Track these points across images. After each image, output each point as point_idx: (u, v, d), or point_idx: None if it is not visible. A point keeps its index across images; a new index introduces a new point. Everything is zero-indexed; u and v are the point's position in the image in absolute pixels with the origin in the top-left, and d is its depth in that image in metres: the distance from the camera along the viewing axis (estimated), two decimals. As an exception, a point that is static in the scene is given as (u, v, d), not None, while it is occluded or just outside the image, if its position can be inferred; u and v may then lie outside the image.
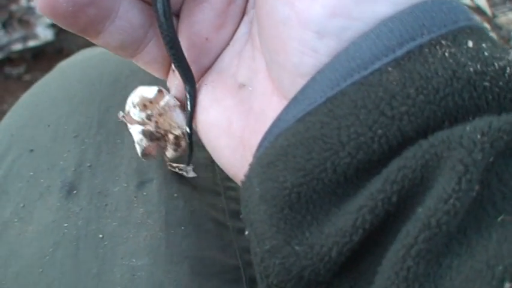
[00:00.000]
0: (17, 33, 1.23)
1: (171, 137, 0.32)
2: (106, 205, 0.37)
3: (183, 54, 0.29)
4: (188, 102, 0.30)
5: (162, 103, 0.31)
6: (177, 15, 0.31)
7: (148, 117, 0.31)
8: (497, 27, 1.21)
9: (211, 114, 0.29)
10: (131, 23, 0.29)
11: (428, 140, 0.21)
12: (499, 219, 0.20)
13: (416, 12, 0.22)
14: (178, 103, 0.32)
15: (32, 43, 1.24)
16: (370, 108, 0.21)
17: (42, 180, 0.39)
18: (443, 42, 0.21)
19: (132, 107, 0.32)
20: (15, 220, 0.38)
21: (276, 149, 0.23)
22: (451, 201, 0.19)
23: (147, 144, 0.31)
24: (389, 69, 0.21)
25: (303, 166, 0.22)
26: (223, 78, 0.30)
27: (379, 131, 0.21)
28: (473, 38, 0.22)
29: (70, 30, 0.28)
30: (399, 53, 0.21)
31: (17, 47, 1.24)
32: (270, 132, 0.24)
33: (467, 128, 0.20)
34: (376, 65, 0.21)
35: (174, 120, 0.31)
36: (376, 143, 0.21)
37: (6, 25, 1.24)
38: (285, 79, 0.25)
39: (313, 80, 0.23)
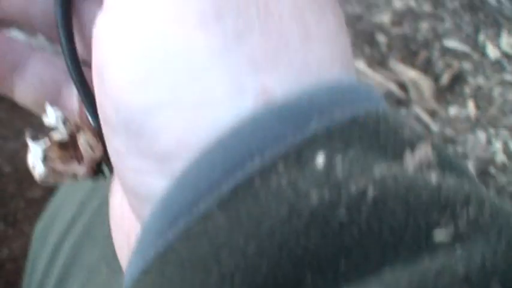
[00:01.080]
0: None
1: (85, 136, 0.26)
2: None
3: (91, 94, 0.25)
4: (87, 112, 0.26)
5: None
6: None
7: (63, 119, 0.26)
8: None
9: (114, 200, 0.25)
10: (42, 80, 0.26)
11: None
12: None
13: (246, 127, 0.16)
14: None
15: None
16: (196, 266, 0.16)
17: (132, 229, 0.40)
18: (280, 166, 0.16)
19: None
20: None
21: None
22: None
23: (55, 152, 0.25)
24: (215, 211, 0.16)
25: None
26: None
27: None
28: (326, 150, 0.16)
29: None
30: (225, 188, 0.16)
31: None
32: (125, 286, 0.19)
33: None
34: (201, 208, 0.16)
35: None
36: None
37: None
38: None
39: (144, 227, 0.18)
